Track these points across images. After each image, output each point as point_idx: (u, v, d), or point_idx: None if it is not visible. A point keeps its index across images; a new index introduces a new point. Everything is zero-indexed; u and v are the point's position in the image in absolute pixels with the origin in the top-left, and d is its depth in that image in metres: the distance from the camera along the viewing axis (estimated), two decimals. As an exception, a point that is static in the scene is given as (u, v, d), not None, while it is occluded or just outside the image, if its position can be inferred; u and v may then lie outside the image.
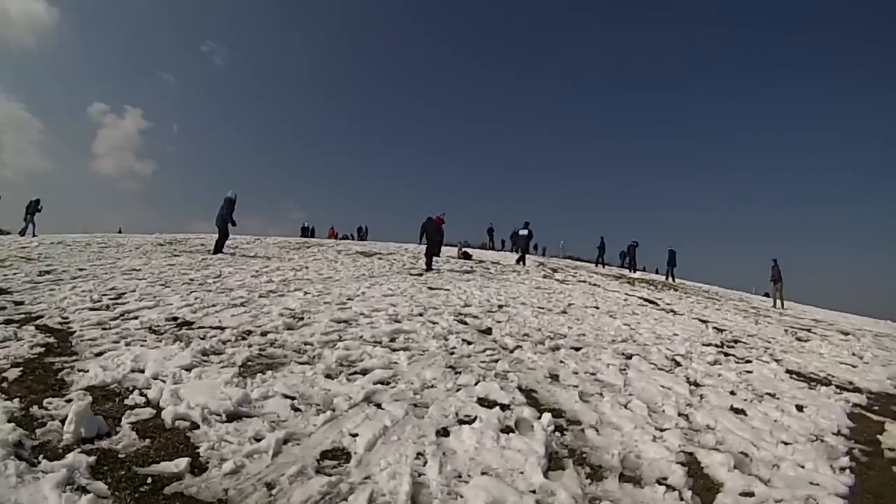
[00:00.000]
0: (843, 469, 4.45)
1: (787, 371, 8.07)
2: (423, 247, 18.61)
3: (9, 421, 3.69)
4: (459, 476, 3.70)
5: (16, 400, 4.10)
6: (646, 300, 16.78)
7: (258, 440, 3.87)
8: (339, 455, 3.85)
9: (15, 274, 10.65)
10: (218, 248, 17.98)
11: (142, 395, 4.53)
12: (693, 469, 4.22)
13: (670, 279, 29.17)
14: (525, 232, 25.33)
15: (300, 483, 3.39)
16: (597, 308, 12.80)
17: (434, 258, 18.57)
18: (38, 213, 24.96)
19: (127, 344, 5.95)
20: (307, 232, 42.89)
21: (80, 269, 11.94)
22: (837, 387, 7.42)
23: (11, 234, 24.39)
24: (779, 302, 23.34)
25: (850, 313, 24.84)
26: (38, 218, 24.95)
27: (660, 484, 3.88)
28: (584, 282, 20.22)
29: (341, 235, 44.29)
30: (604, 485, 3.85)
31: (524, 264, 25.03)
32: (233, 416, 4.25)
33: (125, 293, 9.08)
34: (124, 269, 12.59)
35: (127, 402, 4.37)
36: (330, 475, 3.52)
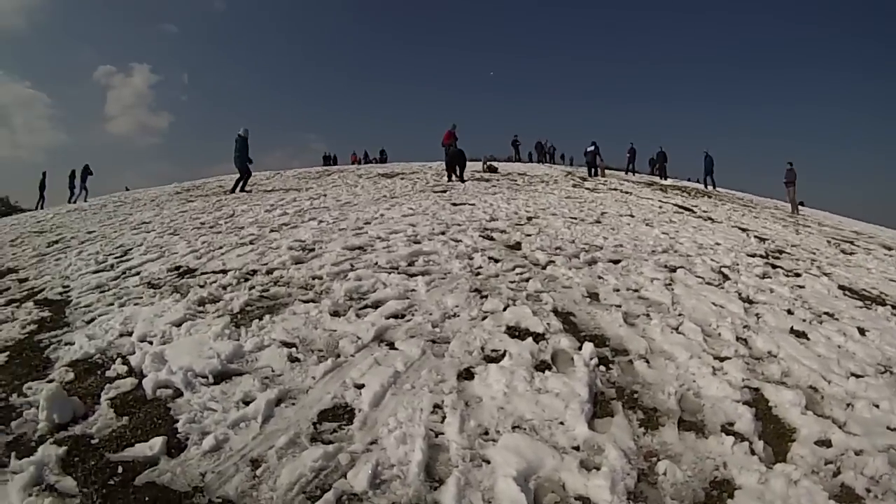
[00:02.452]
0: (919, 409, 3.84)
1: (840, 287, 7.37)
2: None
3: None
4: (486, 433, 3.14)
5: (-3, 390, 3.66)
6: (681, 207, 15.97)
7: (247, 403, 3.40)
8: (340, 414, 3.34)
9: (24, 250, 10.26)
10: (237, 188, 17.36)
11: (125, 363, 4.05)
12: (761, 410, 3.64)
13: (710, 187, 28.13)
14: (592, 148, 27.42)
15: (291, 457, 2.89)
16: (632, 216, 12.08)
17: (456, 174, 18.36)
18: (91, 177, 25.37)
19: (121, 305, 5.47)
20: (329, 161, 42.65)
21: (90, 232, 11.54)
22: (893, 307, 6.74)
23: (31, 211, 24.33)
24: (790, 206, 22.10)
25: (880, 225, 23.67)
26: (90, 182, 25.45)
27: (726, 432, 3.32)
28: (616, 189, 19.35)
29: (364, 160, 43.42)
30: (661, 434, 3.28)
31: (597, 174, 27.17)
32: (221, 377, 3.77)
33: (132, 249, 8.62)
34: (134, 223, 12.16)
35: (108, 373, 3.91)
36: (327, 443, 3.02)
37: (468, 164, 19.23)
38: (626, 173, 31.72)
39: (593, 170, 27.48)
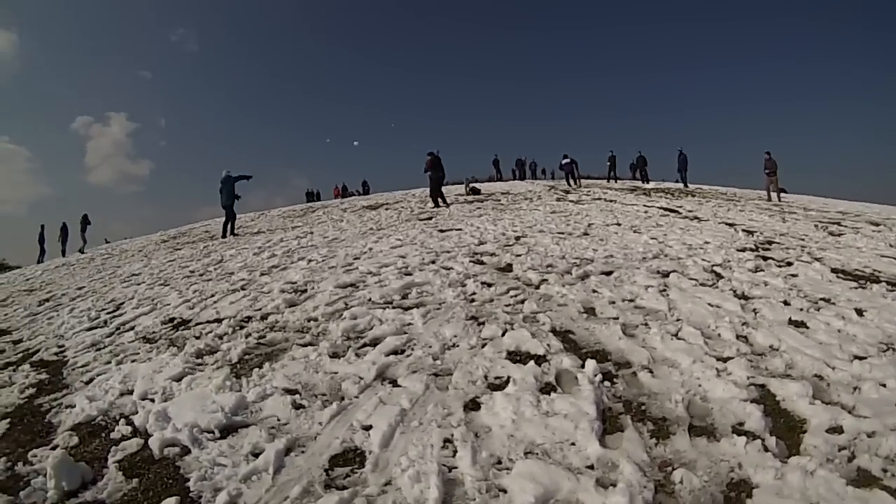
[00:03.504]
0: (926, 384, 3.85)
1: (833, 270, 7.41)
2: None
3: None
4: (499, 462, 3.10)
5: (2, 459, 3.61)
6: (666, 209, 16.05)
7: (256, 455, 3.35)
8: (351, 458, 3.29)
9: (16, 310, 10.27)
10: (226, 231, 17.52)
11: (128, 423, 4.00)
12: (769, 406, 3.61)
13: (683, 185, 28.31)
14: (567, 161, 28.22)
15: (307, 507, 2.83)
16: (618, 225, 12.13)
17: (442, 199, 18.34)
18: (89, 227, 25.58)
19: (118, 363, 5.43)
20: (312, 196, 42.82)
21: (80, 288, 11.63)
22: (888, 283, 6.77)
23: (20, 269, 24.25)
24: (773, 195, 22.22)
25: (865, 202, 23.76)
26: (89, 232, 25.65)
27: (737, 433, 3.29)
28: (600, 199, 19.46)
29: (345, 192, 43.42)
30: (673, 443, 3.25)
31: (577, 184, 28.16)
32: (227, 430, 3.72)
33: (123, 303, 8.65)
34: (124, 276, 12.27)
35: (113, 435, 3.85)
36: (342, 489, 2.96)
37: (451, 188, 19.26)
38: (608, 181, 31.77)
39: (572, 180, 27.94)
